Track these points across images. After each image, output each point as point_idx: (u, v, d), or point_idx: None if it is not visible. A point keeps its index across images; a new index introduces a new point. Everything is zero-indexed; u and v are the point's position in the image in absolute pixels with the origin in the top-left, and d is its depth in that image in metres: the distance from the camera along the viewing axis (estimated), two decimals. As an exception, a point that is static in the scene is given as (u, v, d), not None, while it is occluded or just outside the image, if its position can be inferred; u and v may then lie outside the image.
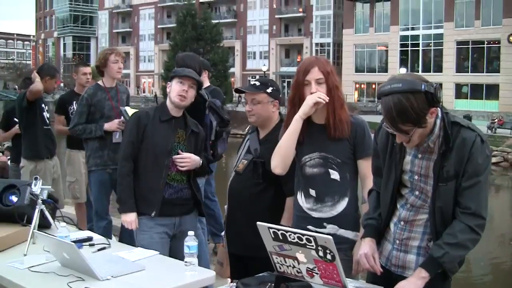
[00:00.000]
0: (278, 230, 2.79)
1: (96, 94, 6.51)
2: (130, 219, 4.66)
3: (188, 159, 4.72)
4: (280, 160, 3.93)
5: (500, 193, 31.26)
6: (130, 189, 4.70)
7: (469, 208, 3.07)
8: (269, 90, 4.37)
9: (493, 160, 36.33)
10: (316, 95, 3.76)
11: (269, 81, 4.52)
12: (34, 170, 7.35)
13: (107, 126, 6.39)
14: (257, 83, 4.43)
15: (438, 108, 3.03)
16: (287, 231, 2.75)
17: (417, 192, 3.26)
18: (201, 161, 4.84)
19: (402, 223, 3.32)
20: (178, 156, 4.71)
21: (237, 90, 4.56)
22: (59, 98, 8.37)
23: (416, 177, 3.23)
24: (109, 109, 6.54)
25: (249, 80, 63.35)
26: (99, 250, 4.23)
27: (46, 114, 7.56)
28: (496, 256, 17.77)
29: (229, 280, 3.32)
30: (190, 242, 3.65)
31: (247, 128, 4.76)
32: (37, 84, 7.13)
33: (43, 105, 7.53)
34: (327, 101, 3.77)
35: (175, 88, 4.73)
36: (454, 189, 3.10)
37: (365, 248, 3.36)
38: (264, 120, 4.42)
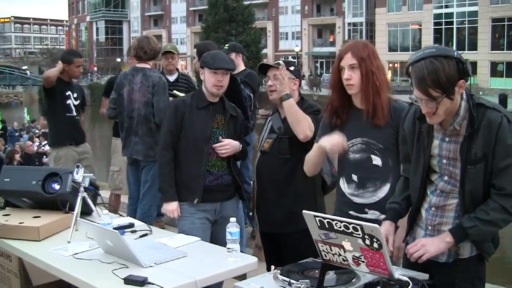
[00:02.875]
0: (324, 218, 2.78)
1: None
2: (172, 208, 4.70)
3: (228, 145, 4.72)
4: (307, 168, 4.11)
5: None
6: (171, 178, 4.73)
7: (504, 189, 3.05)
8: (291, 68, 4.56)
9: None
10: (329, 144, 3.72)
11: (292, 62, 4.73)
12: (57, 156, 7.40)
13: None
14: (281, 62, 4.56)
15: (464, 91, 3.05)
16: (333, 220, 2.75)
17: (446, 177, 3.24)
18: (240, 146, 4.84)
19: (433, 209, 3.31)
20: (218, 144, 4.71)
21: (262, 65, 4.67)
22: (108, 80, 8.22)
23: (444, 161, 3.21)
24: None
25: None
26: (141, 236, 4.26)
27: (72, 102, 7.46)
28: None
29: (272, 267, 3.32)
30: (232, 229, 3.66)
31: (270, 112, 4.82)
32: (48, 71, 7.17)
33: (68, 93, 7.42)
34: (338, 151, 3.74)
35: (209, 79, 4.71)
36: (483, 172, 3.08)
37: (382, 228, 3.35)
38: None
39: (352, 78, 3.76)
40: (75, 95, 7.50)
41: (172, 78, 7.32)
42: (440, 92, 2.95)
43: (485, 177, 3.09)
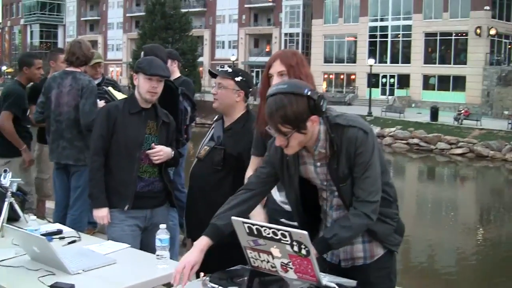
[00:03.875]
0: (253, 225, 2.79)
1: None
2: (102, 214, 4.63)
3: (161, 152, 4.68)
4: None
5: (465, 184, 31.72)
6: (102, 184, 4.66)
7: (359, 196, 3.16)
8: (237, 79, 4.44)
9: (459, 151, 36.91)
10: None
11: (240, 71, 4.58)
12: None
13: None
14: (229, 70, 4.52)
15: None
16: (262, 226, 2.76)
17: (336, 193, 3.31)
18: (172, 152, 4.81)
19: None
20: (151, 150, 4.66)
21: (210, 72, 4.60)
22: (31, 86, 7.70)
23: (325, 183, 3.29)
24: None
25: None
26: (69, 243, 4.19)
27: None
28: (461, 246, 18.07)
29: (201, 274, 3.30)
30: (162, 235, 3.63)
31: (215, 118, 4.79)
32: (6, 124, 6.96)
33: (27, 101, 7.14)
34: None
35: (144, 85, 4.65)
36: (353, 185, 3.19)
37: (191, 256, 3.25)
38: (227, 107, 4.48)
39: None
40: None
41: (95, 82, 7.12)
42: (290, 127, 2.99)
43: None
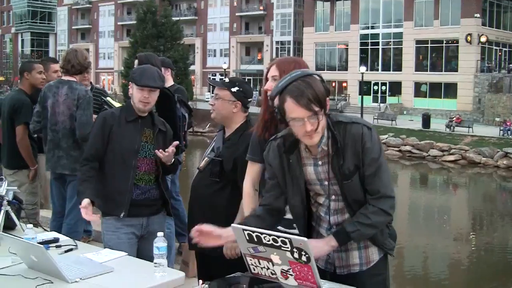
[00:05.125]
0: (253, 232, 2.79)
1: None
2: (84, 204, 4.41)
3: (171, 155, 4.66)
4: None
5: (458, 191, 31.78)
6: (89, 182, 4.57)
7: (377, 192, 3.20)
8: (233, 89, 4.40)
9: (452, 158, 36.92)
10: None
11: (238, 82, 4.52)
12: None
13: None
14: (226, 80, 4.50)
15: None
16: (262, 233, 2.75)
17: (333, 197, 3.33)
18: (172, 159, 4.80)
19: (334, 227, 3.37)
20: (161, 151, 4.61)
21: (209, 83, 4.61)
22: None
23: (326, 183, 3.30)
24: None
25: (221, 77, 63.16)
26: (66, 251, 4.17)
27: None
28: (454, 252, 18.10)
29: (200, 281, 3.29)
30: (160, 243, 3.61)
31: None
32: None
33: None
34: None
35: (136, 95, 4.65)
36: (360, 182, 3.22)
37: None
38: (223, 118, 4.46)
39: (272, 88, 3.76)
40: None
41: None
42: (319, 106, 3.04)
43: (363, 185, 3.23)
